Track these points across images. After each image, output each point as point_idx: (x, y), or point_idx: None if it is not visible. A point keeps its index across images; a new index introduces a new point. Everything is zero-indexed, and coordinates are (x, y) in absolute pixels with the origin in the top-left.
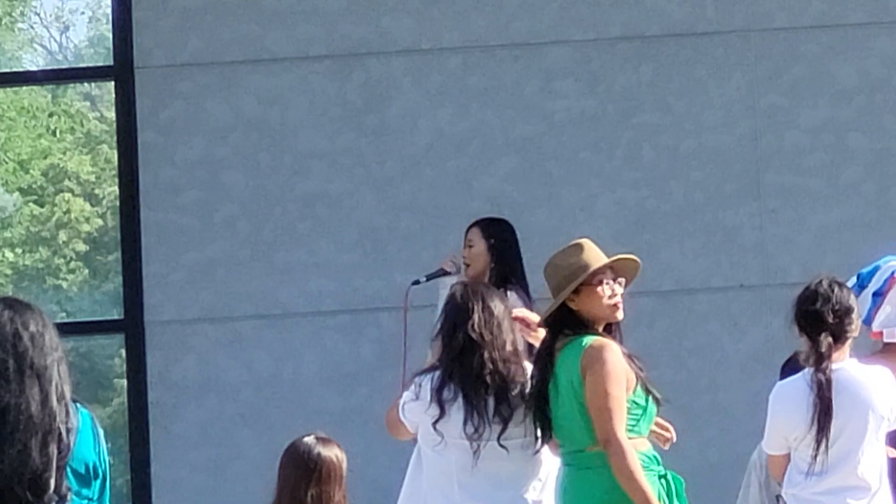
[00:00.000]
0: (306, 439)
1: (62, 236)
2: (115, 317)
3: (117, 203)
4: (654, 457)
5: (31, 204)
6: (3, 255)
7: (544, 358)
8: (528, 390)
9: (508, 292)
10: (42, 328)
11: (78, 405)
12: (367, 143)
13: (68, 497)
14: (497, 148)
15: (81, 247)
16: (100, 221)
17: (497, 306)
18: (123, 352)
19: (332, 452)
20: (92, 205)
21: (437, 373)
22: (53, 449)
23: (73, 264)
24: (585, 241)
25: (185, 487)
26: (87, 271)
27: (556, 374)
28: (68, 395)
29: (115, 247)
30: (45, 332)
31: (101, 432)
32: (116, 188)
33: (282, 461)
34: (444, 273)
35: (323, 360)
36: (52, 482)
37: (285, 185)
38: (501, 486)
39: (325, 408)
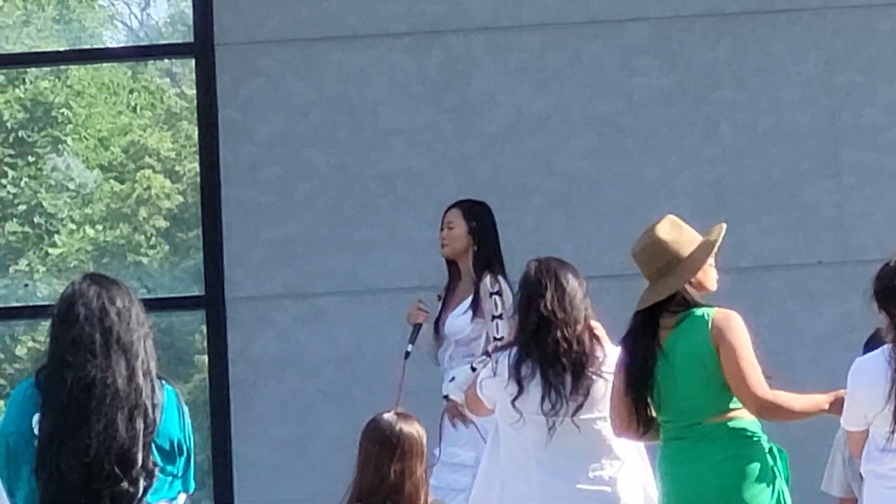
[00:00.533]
0: (387, 416)
1: (143, 213)
2: (196, 293)
3: (198, 180)
4: (761, 428)
5: (111, 181)
6: (84, 232)
7: (647, 337)
8: (605, 369)
9: (498, 276)
10: (129, 304)
11: (163, 382)
12: (447, 121)
13: (155, 473)
14: (576, 125)
15: (162, 223)
16: (180, 198)
17: (570, 283)
18: (204, 328)
19: (414, 428)
20: (172, 181)
21: (514, 350)
22: (140, 424)
23: (153, 241)
24: (675, 218)
25: (265, 464)
26: (167, 248)
27: (666, 351)
28: (154, 370)
29: (195, 223)
30: (132, 308)
31: (186, 409)
32: (197, 165)
33: (363, 438)
34: (419, 326)
35: (403, 336)
36: (139, 457)
37: (365, 161)
38: (577, 462)
39: (408, 384)
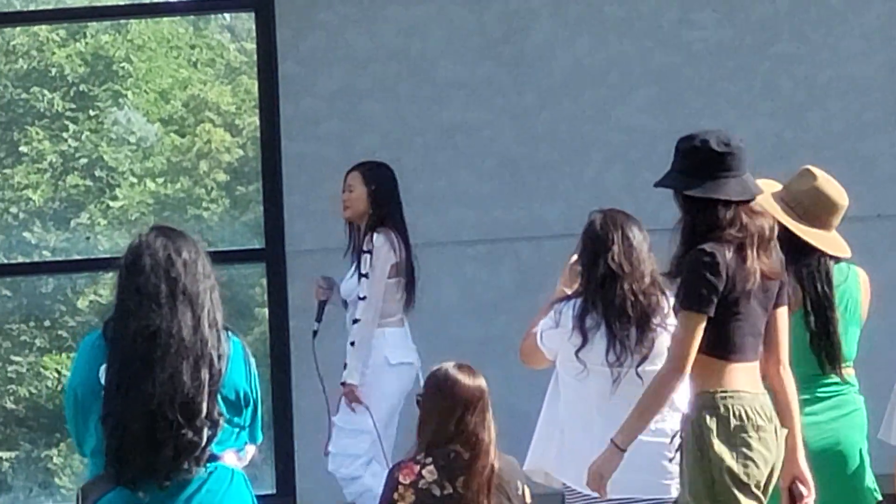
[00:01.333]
0: (450, 369)
1: (203, 166)
2: (257, 246)
3: (258, 134)
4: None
5: (171, 134)
6: (145, 185)
7: (827, 284)
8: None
9: (375, 235)
10: (195, 255)
11: (230, 333)
12: (506, 74)
13: (220, 423)
14: (635, 78)
15: (222, 177)
16: (240, 152)
17: (636, 237)
18: (265, 281)
19: (477, 379)
20: (232, 135)
21: (578, 301)
22: (205, 374)
23: (213, 194)
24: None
25: (325, 415)
26: (228, 201)
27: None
28: (220, 322)
29: (255, 177)
30: (198, 260)
31: (253, 361)
32: (257, 119)
33: (428, 391)
34: (323, 304)
35: (462, 288)
36: (204, 407)
37: (425, 115)
38: None
39: (465, 336)
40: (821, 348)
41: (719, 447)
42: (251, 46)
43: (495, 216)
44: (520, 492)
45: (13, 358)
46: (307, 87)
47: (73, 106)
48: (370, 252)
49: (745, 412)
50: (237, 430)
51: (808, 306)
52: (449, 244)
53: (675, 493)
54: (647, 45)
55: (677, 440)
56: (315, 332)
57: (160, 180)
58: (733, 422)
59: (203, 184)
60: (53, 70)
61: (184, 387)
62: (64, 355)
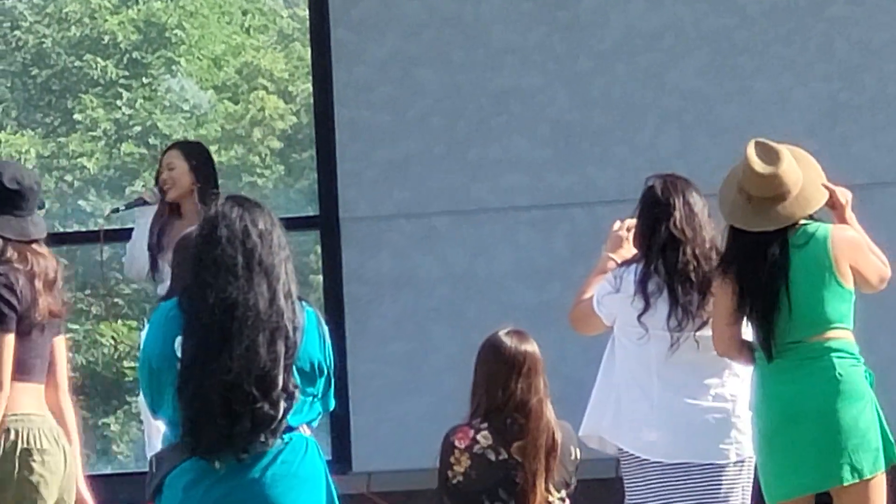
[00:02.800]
0: (504, 336)
1: (257, 133)
2: (311, 213)
3: (311, 101)
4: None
5: (225, 101)
6: None
7: (759, 257)
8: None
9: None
10: (270, 226)
11: (304, 303)
12: (560, 39)
13: (296, 395)
14: (689, 42)
15: (276, 144)
16: (294, 119)
17: (696, 202)
18: (319, 248)
19: (532, 346)
20: (286, 102)
21: (639, 266)
22: (281, 346)
23: (267, 161)
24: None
25: (380, 381)
26: (281, 168)
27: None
28: (295, 293)
29: (309, 144)
30: (273, 230)
31: (326, 330)
32: (310, 86)
33: (484, 357)
34: (144, 203)
35: (516, 255)
36: (280, 380)
37: (478, 80)
38: (699, 378)
39: (519, 303)
40: (760, 328)
41: None
42: (303, 13)
43: (549, 182)
44: (573, 457)
45: (69, 326)
46: (360, 53)
47: (127, 73)
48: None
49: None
50: (311, 399)
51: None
52: (503, 210)
53: (733, 457)
54: (702, 7)
55: None
56: (115, 210)
57: (214, 147)
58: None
59: (257, 151)
60: (106, 38)
61: (260, 359)
62: (120, 322)
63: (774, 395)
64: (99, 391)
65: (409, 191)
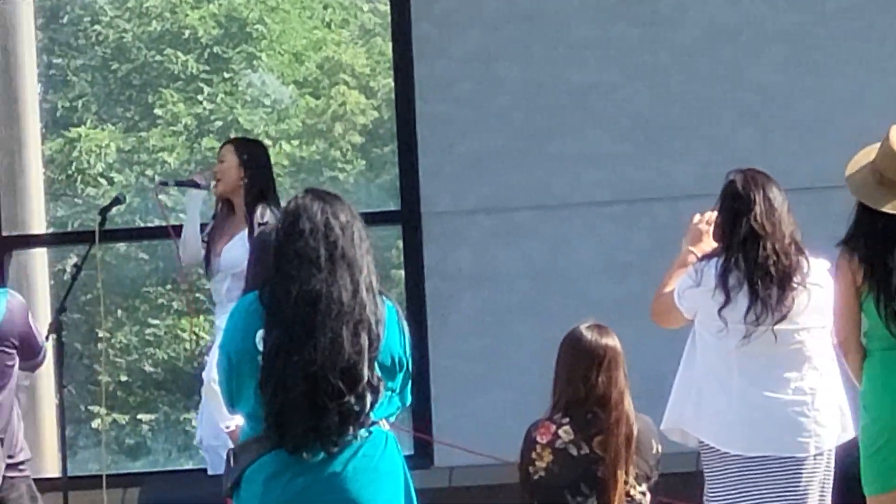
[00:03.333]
0: (585, 330)
1: (338, 128)
2: (392, 208)
3: (392, 95)
4: None
5: (306, 96)
6: (281, 147)
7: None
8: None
9: (267, 209)
10: (351, 218)
11: (384, 297)
12: (639, 34)
13: (380, 388)
14: (767, 38)
15: (357, 139)
16: (375, 113)
17: (776, 197)
18: (400, 243)
19: (613, 340)
20: (367, 97)
21: (720, 260)
22: (364, 339)
23: (349, 156)
24: None
25: (461, 376)
26: (363, 163)
27: None
28: (376, 286)
29: (390, 139)
30: (354, 223)
31: (405, 325)
32: (391, 80)
33: (566, 351)
34: (195, 185)
35: (597, 249)
36: (365, 373)
37: (558, 75)
38: (778, 372)
39: (600, 297)
40: (886, 311)
41: None
42: (385, 8)
43: (629, 176)
44: (654, 451)
45: (151, 321)
46: (441, 48)
47: (207, 68)
48: (266, 225)
49: None
50: (390, 394)
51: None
52: (583, 205)
53: (813, 450)
54: (780, 4)
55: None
56: (164, 183)
57: (295, 142)
58: None
59: (338, 146)
60: (187, 32)
61: (345, 352)
62: (202, 318)
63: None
64: (180, 386)
65: (490, 185)
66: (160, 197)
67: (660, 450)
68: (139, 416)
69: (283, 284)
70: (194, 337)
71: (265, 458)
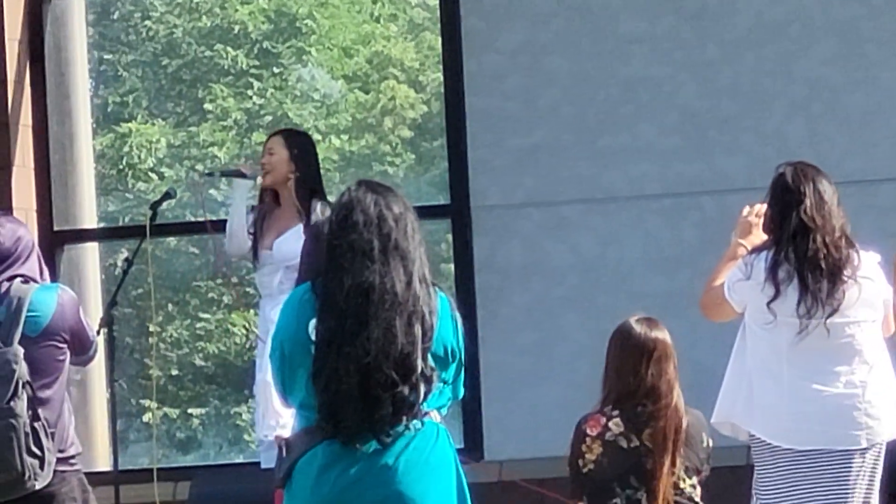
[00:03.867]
0: (635, 323)
1: (387, 123)
2: (442, 202)
3: (441, 90)
4: None
5: (356, 91)
6: (330, 142)
7: None
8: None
9: (324, 206)
10: (404, 210)
11: (437, 288)
12: (688, 28)
13: (434, 379)
14: (816, 31)
15: (406, 133)
16: (424, 108)
17: (826, 190)
18: (450, 237)
19: (663, 332)
20: (416, 91)
21: (769, 253)
22: (418, 330)
23: (398, 150)
24: None
25: (511, 369)
26: (412, 157)
27: None
28: (429, 277)
29: (440, 133)
30: (407, 215)
31: (458, 316)
32: (440, 75)
33: (616, 344)
34: (241, 175)
35: (646, 243)
36: (419, 364)
37: (607, 69)
38: (828, 365)
39: (649, 290)
40: None
41: None
42: (433, 2)
43: (678, 170)
44: (704, 444)
45: (201, 315)
46: (490, 42)
47: (257, 63)
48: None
49: None
50: (442, 385)
51: None
52: (632, 199)
53: (864, 443)
54: None
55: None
56: (210, 174)
57: (344, 137)
58: None
59: (388, 140)
60: (237, 27)
61: (398, 343)
62: (252, 312)
63: None
64: (231, 380)
65: (539, 179)
66: (210, 191)
67: (710, 443)
68: (189, 410)
69: (337, 276)
70: (244, 331)
71: (317, 449)
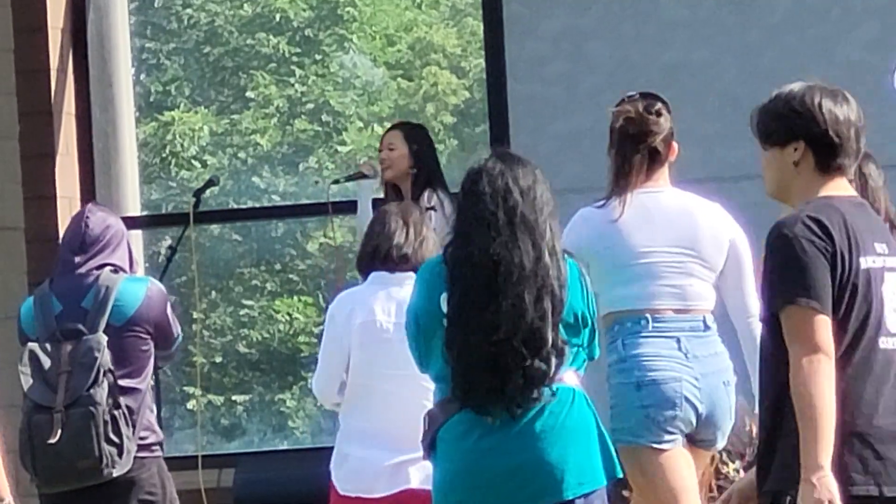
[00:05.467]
0: None
1: (430, 109)
2: None
3: (484, 76)
4: None
5: (398, 78)
6: (372, 130)
7: None
8: None
9: (434, 194)
10: (533, 183)
11: (565, 256)
12: (729, 12)
13: (566, 351)
14: (857, 15)
15: (449, 119)
16: (467, 94)
17: (872, 172)
18: None
19: None
20: (458, 77)
21: None
22: (548, 304)
23: (441, 136)
24: None
25: None
26: (455, 143)
27: None
28: (560, 250)
29: (482, 119)
30: (536, 187)
31: (588, 280)
32: (483, 61)
33: None
34: (363, 176)
35: None
36: (550, 337)
37: (648, 54)
38: None
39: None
40: None
41: None
42: None
43: (720, 155)
44: (748, 429)
45: (245, 302)
46: (532, 28)
47: (299, 51)
48: (433, 209)
49: None
50: (576, 349)
51: None
52: (675, 183)
53: None
54: None
55: None
56: (336, 181)
57: (387, 124)
58: None
59: (430, 126)
60: (278, 15)
61: (528, 316)
62: (295, 298)
63: None
64: (274, 367)
65: (581, 165)
66: (252, 178)
67: (755, 428)
68: (234, 398)
69: (464, 247)
70: (288, 318)
71: (455, 418)
